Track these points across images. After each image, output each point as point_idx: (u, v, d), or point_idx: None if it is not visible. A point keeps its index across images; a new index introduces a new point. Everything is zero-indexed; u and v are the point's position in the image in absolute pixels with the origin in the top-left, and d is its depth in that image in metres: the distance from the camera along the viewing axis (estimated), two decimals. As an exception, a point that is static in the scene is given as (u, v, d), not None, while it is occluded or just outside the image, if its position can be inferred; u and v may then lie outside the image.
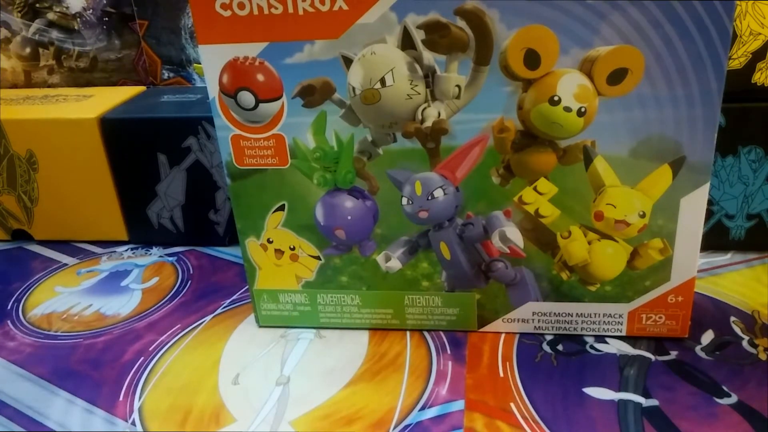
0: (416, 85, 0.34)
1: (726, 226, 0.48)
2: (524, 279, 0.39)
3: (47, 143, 0.52)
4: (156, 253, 0.54)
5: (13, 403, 0.37)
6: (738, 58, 0.44)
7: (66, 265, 0.53)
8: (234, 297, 0.47)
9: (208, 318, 0.45)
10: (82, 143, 0.52)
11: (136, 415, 0.36)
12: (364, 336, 0.42)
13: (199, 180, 0.52)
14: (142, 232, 0.55)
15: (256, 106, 0.36)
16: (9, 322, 0.45)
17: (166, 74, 0.63)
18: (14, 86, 0.64)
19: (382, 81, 0.34)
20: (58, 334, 0.44)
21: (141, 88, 0.59)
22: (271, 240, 0.40)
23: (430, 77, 0.34)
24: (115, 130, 0.51)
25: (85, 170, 0.53)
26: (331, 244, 0.40)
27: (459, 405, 0.35)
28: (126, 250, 0.55)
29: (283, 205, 0.39)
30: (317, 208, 0.38)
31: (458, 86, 0.34)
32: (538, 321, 0.40)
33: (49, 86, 0.64)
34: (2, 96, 0.59)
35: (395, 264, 0.39)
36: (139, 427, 0.35)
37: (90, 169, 0.52)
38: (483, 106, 0.34)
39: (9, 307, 0.47)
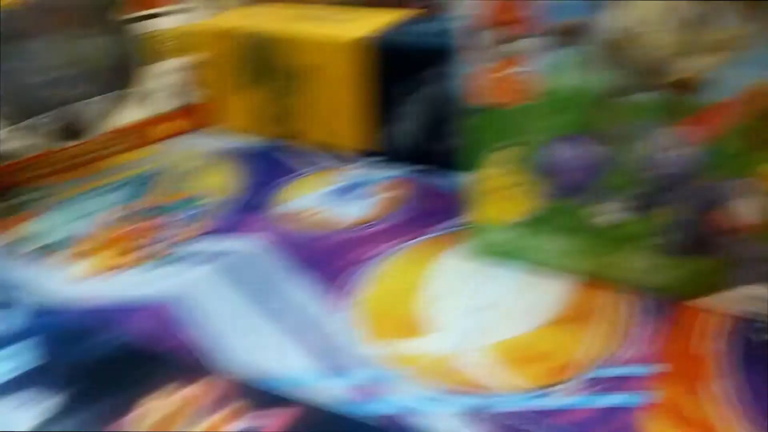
0: (676, 35, 0.33)
1: None
2: (751, 258, 0.36)
3: (308, 60, 0.59)
4: (391, 171, 0.58)
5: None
6: None
7: (311, 171, 0.59)
8: (452, 222, 0.49)
9: (423, 239, 0.47)
10: (339, 62, 0.57)
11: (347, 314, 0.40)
12: (568, 283, 0.42)
13: (440, 108, 0.55)
14: (383, 150, 0.59)
15: (508, 42, 0.37)
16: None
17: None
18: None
19: (642, 26, 0.33)
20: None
21: (399, 14, 0.62)
22: (498, 175, 0.41)
23: (691, 28, 0.33)
24: (372, 52, 0.56)
25: (340, 87, 0.58)
26: (554, 189, 0.40)
27: (652, 369, 0.35)
28: (365, 164, 0.59)
29: (515, 142, 0.40)
30: (545, 151, 0.39)
31: (720, 39, 0.32)
32: (759, 304, 0.37)
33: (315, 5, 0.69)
34: (273, 11, 0.66)
35: (614, 218, 0.38)
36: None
37: (344, 86, 0.58)
38: (749, 64, 0.32)
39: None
